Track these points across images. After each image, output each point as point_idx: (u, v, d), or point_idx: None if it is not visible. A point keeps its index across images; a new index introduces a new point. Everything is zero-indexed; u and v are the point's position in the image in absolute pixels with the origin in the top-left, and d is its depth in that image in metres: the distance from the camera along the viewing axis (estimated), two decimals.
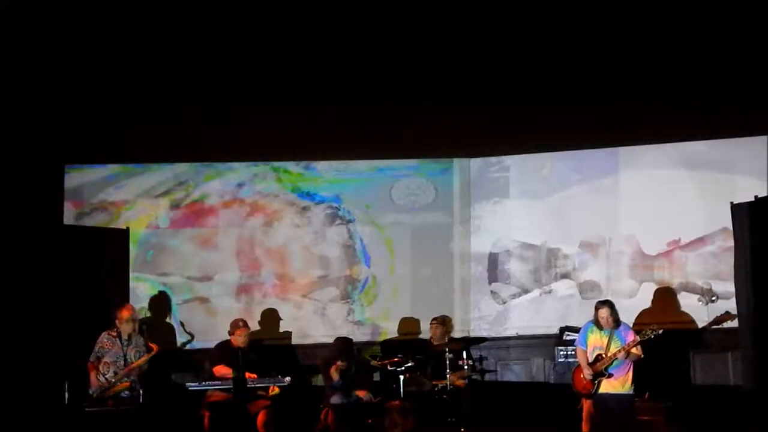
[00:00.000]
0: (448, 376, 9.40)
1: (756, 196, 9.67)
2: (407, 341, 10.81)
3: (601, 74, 8.42)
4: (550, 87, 8.68)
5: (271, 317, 10.87)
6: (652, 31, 7.50)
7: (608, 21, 7.28)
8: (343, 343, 9.80)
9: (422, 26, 7.28)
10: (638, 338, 8.05)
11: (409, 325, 11.09)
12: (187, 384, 8.84)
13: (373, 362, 9.79)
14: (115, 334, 8.63)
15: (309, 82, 8.41)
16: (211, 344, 9.43)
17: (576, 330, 9.56)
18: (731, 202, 9.76)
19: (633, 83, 8.68)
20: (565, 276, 11.14)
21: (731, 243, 9.93)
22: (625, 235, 10.91)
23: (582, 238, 11.08)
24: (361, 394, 9.39)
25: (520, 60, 8.03)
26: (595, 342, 8.24)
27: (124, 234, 10.36)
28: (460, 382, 9.55)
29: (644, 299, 10.59)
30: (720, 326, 10.18)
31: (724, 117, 9.74)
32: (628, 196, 10.92)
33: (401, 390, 9.26)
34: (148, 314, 10.62)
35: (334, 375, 9.31)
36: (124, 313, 8.64)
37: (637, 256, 10.84)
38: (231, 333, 9.13)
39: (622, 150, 10.94)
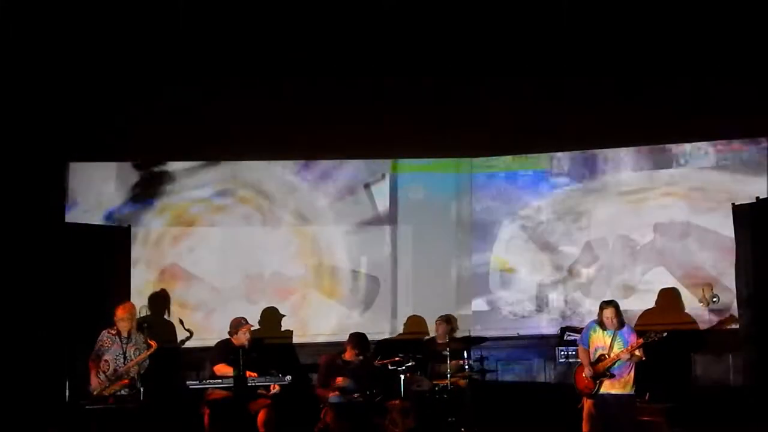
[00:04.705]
0: (448, 376, 9.39)
1: (757, 198, 9.68)
2: (405, 341, 10.79)
3: (602, 75, 8.44)
4: (551, 87, 8.71)
5: (271, 316, 10.85)
6: (653, 32, 7.52)
7: (609, 21, 7.30)
8: (359, 338, 9.70)
9: (422, 26, 7.30)
10: (642, 340, 8.04)
11: (416, 324, 11.08)
12: (188, 382, 8.83)
13: (374, 362, 9.76)
14: (114, 332, 8.63)
15: (308, 82, 8.43)
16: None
17: (577, 330, 9.56)
18: (733, 204, 9.77)
19: (634, 84, 8.70)
20: (565, 274, 11.15)
21: (732, 244, 9.93)
22: (624, 236, 10.91)
23: (583, 237, 11.08)
24: (339, 380, 9.25)
25: (519, 60, 8.05)
26: (598, 342, 8.23)
27: (125, 232, 10.36)
28: (461, 382, 9.54)
29: (645, 301, 10.60)
30: (721, 328, 10.20)
31: (724, 118, 9.75)
32: (629, 197, 10.92)
33: (401, 390, 9.26)
34: (148, 312, 10.61)
35: (338, 385, 9.24)
36: (123, 311, 8.65)
37: (638, 257, 10.84)
38: (233, 332, 9.12)
39: (623, 150, 10.93)
